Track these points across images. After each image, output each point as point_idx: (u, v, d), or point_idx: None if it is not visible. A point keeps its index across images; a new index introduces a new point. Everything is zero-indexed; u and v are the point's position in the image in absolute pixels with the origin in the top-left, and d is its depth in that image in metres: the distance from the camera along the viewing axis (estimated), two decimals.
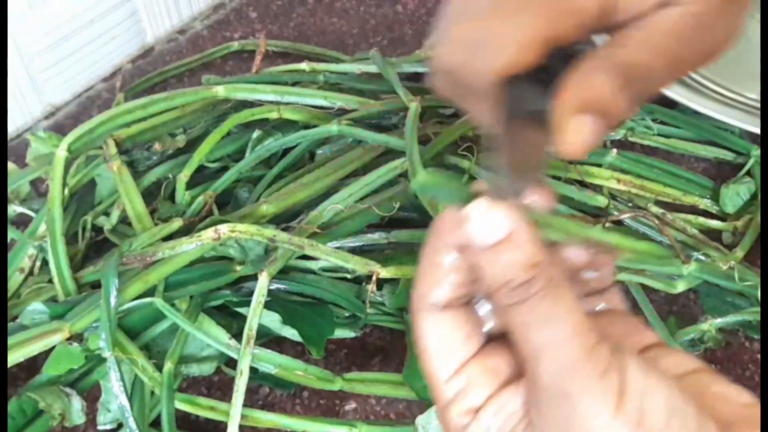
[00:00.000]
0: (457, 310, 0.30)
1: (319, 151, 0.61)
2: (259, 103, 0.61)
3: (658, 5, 0.30)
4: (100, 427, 0.50)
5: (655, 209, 0.60)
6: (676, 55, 0.30)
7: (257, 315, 0.48)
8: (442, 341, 0.30)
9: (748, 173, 0.62)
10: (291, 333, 0.52)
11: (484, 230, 0.28)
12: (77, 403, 0.48)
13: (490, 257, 0.28)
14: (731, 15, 0.31)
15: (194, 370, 0.51)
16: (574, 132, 0.29)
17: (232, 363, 0.50)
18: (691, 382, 0.29)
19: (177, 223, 0.53)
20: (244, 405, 0.47)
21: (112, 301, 0.47)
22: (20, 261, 0.56)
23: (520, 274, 0.27)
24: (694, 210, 0.61)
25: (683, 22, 0.30)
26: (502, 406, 0.29)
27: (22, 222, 0.60)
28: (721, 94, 0.66)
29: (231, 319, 0.52)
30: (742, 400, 0.28)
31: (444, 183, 0.29)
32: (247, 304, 0.49)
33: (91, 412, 0.50)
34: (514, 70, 0.30)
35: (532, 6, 0.30)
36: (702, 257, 0.55)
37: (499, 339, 0.31)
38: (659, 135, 0.65)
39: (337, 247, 0.53)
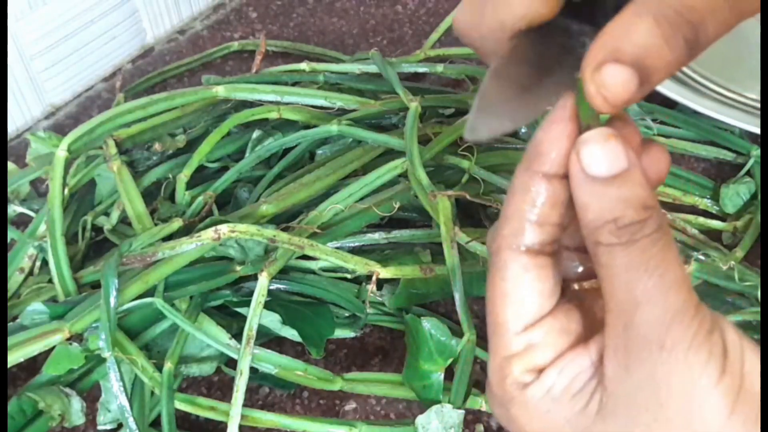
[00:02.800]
0: (546, 260, 0.28)
1: (319, 151, 0.61)
2: (259, 103, 0.61)
3: None
4: (99, 427, 0.50)
5: None
6: None
7: (257, 315, 0.48)
8: (523, 289, 0.28)
9: (748, 173, 0.62)
10: (291, 333, 0.52)
11: (601, 160, 0.25)
12: (77, 404, 0.48)
13: (602, 190, 0.25)
14: None
15: (194, 370, 0.51)
16: (600, 83, 0.25)
17: (232, 363, 0.50)
18: None
19: (177, 223, 0.53)
20: (244, 405, 0.46)
21: (112, 301, 0.47)
22: (20, 261, 0.56)
23: (634, 213, 0.25)
24: (694, 210, 0.61)
25: None
26: (567, 366, 0.28)
27: (22, 222, 0.60)
28: (721, 94, 0.66)
29: (231, 319, 0.52)
30: None
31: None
32: (247, 304, 0.49)
33: (90, 413, 0.50)
34: (529, 25, 0.28)
35: None
36: (702, 257, 0.55)
37: (566, 298, 0.29)
38: (659, 135, 0.65)
39: (337, 247, 0.53)
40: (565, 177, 0.27)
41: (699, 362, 0.25)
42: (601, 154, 0.26)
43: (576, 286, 0.31)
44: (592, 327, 0.29)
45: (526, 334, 0.28)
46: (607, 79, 0.25)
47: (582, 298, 0.30)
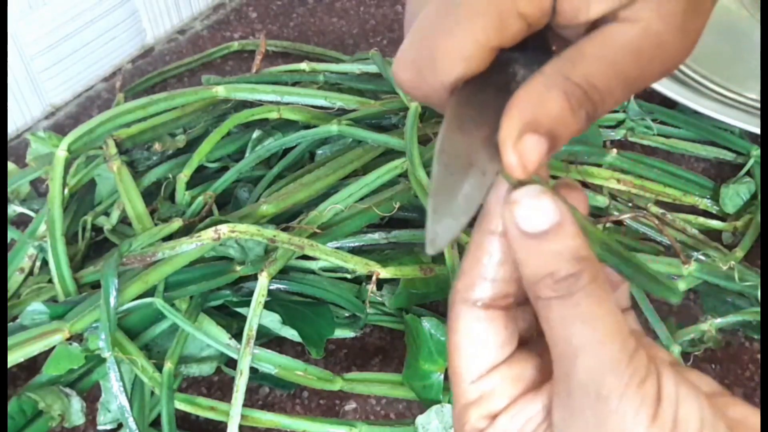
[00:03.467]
0: (497, 313, 0.29)
1: (319, 151, 0.61)
2: (259, 103, 0.61)
3: (608, 17, 0.29)
4: (99, 427, 0.50)
5: (655, 209, 0.60)
6: (635, 74, 0.29)
7: (257, 315, 0.48)
8: (476, 341, 0.29)
9: (748, 173, 0.62)
10: (291, 333, 0.52)
11: (534, 216, 0.26)
12: (77, 404, 0.48)
13: (537, 245, 0.27)
14: (691, 33, 0.30)
15: (194, 370, 0.51)
16: (520, 153, 0.26)
17: (231, 363, 0.50)
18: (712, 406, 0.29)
19: (177, 224, 0.53)
20: (244, 405, 0.47)
21: (112, 301, 0.47)
22: (20, 261, 0.56)
23: (568, 266, 0.26)
24: (694, 210, 0.61)
25: (642, 41, 0.29)
26: (519, 410, 0.29)
27: (22, 222, 0.60)
28: (721, 94, 0.66)
29: (231, 319, 0.52)
30: (758, 424, 0.28)
31: None
32: (247, 304, 0.49)
33: (90, 413, 0.50)
34: (465, 79, 0.29)
35: (475, 15, 0.28)
36: (702, 257, 0.55)
37: (523, 345, 0.30)
38: (659, 135, 0.65)
39: (337, 247, 0.53)
40: None
41: (631, 410, 0.26)
42: (534, 210, 0.27)
43: None
44: (556, 362, 0.30)
45: (480, 382, 0.29)
46: (527, 148, 0.26)
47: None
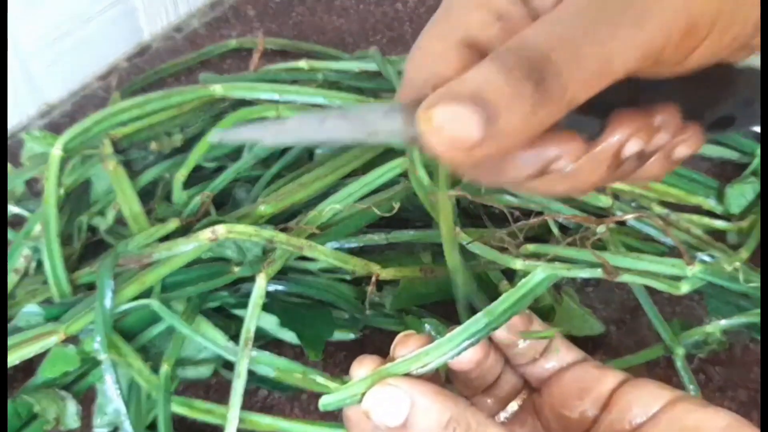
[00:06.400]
0: None
1: (317, 151, 0.61)
2: (257, 102, 0.61)
3: None
4: (95, 431, 0.49)
5: (659, 209, 0.59)
6: (600, 35, 0.26)
7: (255, 317, 0.47)
8: None
9: (753, 173, 0.61)
10: (289, 335, 0.52)
11: (389, 417, 0.29)
12: (72, 407, 0.48)
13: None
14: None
15: (191, 372, 0.51)
16: (440, 124, 0.24)
17: (229, 365, 0.50)
18: (670, 417, 0.30)
19: (174, 224, 0.53)
20: (242, 408, 0.46)
21: (108, 302, 0.47)
22: (15, 262, 0.55)
23: None
24: (698, 210, 0.61)
25: None
26: None
27: (17, 222, 0.59)
28: None
29: (228, 321, 0.52)
30: (719, 425, 0.28)
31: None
32: (245, 305, 0.48)
33: (86, 416, 0.49)
34: None
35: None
36: (706, 258, 0.54)
37: None
38: None
39: (336, 248, 0.52)
40: None
41: None
42: (386, 411, 0.29)
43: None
44: None
45: None
46: (441, 116, 0.23)
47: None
